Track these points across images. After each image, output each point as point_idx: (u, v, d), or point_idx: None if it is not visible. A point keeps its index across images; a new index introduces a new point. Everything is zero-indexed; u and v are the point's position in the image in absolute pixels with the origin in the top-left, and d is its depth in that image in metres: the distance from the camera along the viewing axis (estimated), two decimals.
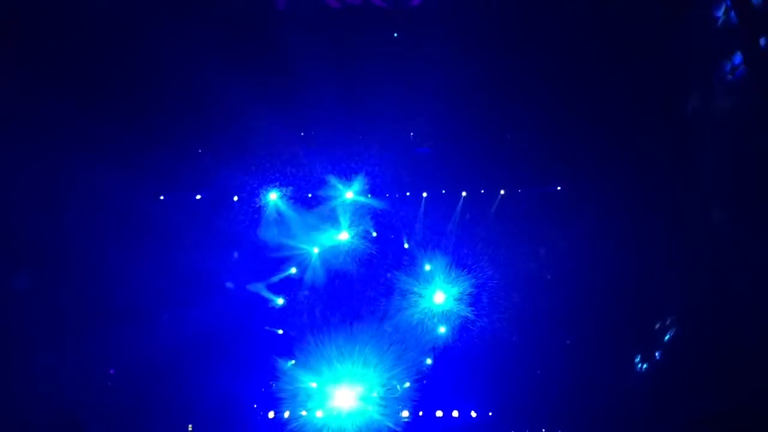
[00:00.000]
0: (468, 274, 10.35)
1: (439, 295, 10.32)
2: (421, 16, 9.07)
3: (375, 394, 9.88)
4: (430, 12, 9.05)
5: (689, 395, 8.63)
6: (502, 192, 10.59)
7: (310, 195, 10.30)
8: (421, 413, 9.98)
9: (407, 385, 10.05)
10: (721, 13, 8.06)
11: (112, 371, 9.33)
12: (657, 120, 9.44)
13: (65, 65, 8.65)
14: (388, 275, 10.48)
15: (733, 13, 7.80)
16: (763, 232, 7.86)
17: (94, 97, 8.93)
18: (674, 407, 8.68)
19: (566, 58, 9.24)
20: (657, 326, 9.72)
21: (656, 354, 9.68)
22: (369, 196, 10.48)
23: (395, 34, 9.28)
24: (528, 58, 9.37)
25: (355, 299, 10.44)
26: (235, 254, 10.19)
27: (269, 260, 10.20)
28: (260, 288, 10.13)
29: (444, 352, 10.24)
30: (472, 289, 10.30)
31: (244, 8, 8.86)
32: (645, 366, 9.78)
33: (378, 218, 10.47)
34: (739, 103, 8.42)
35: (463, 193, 10.61)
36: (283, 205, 10.18)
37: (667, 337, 9.64)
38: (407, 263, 10.42)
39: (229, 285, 9.96)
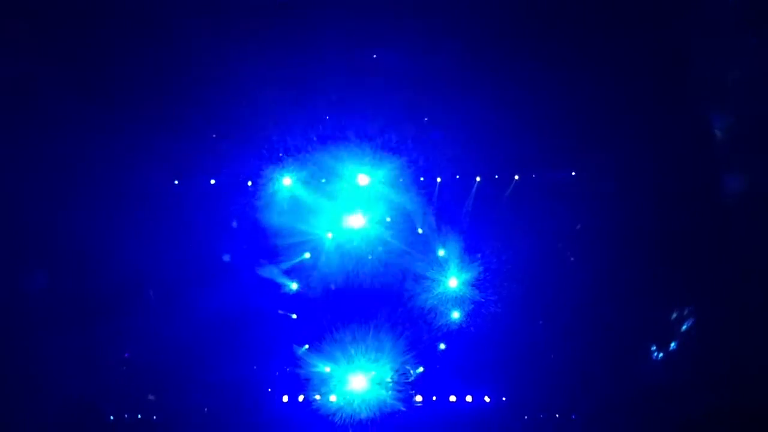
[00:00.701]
0: (482, 259, 10.34)
1: (453, 281, 10.31)
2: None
3: (389, 379, 9.93)
4: None
5: (705, 386, 8.65)
6: (516, 177, 10.53)
7: (324, 180, 10.26)
8: (434, 398, 10.01)
9: (421, 370, 10.09)
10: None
11: (126, 355, 9.42)
12: (681, 104, 9.36)
13: (75, 51, 8.69)
14: (402, 260, 10.48)
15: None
16: None
17: (107, 84, 9.00)
18: (690, 397, 8.69)
19: (586, 42, 9.15)
20: (674, 315, 9.70)
21: (673, 344, 9.66)
22: (383, 181, 10.46)
23: None
24: (544, 41, 9.28)
25: (368, 284, 10.45)
26: (249, 239, 10.17)
27: (283, 245, 10.20)
28: (274, 273, 10.15)
29: (457, 338, 10.23)
30: (486, 275, 10.27)
31: None
32: (661, 355, 9.75)
33: (392, 203, 10.44)
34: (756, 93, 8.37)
35: (477, 178, 10.56)
36: (296, 190, 10.17)
37: (684, 327, 9.62)
38: (421, 248, 10.40)
39: (226, 258, 9.91)
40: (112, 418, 9.40)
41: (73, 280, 9.06)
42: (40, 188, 8.94)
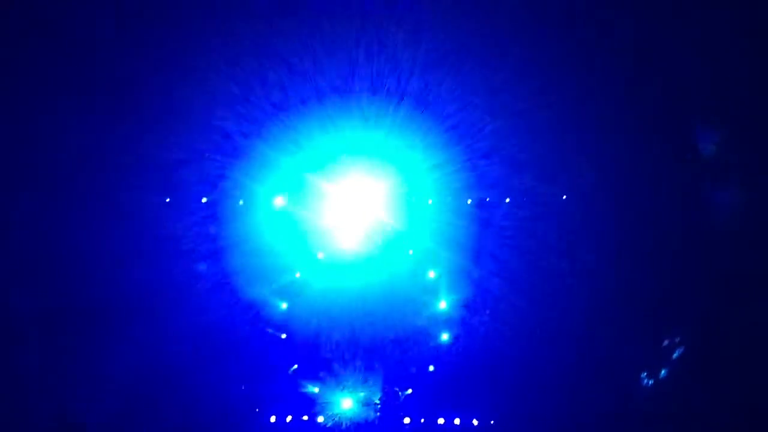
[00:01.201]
0: (472, 281, 10.35)
1: (443, 302, 10.33)
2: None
3: (377, 401, 9.90)
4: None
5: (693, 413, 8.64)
6: (507, 200, 10.55)
7: (315, 200, 10.27)
8: (422, 420, 9.97)
9: (409, 391, 10.07)
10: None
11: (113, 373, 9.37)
12: (669, 126, 9.41)
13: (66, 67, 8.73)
14: (392, 281, 10.49)
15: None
16: None
17: (97, 98, 9.02)
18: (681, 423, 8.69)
19: (574, 63, 9.22)
20: (667, 340, 9.69)
21: (664, 367, 9.65)
22: (374, 202, 10.48)
23: None
24: (534, 62, 9.35)
25: (358, 305, 10.45)
26: (239, 258, 10.17)
27: (272, 264, 10.21)
28: (263, 292, 10.15)
29: (446, 359, 10.22)
30: (477, 297, 10.29)
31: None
32: (652, 381, 9.73)
33: (382, 224, 10.46)
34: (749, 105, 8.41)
35: (468, 201, 10.58)
36: (288, 210, 10.19)
37: (675, 352, 9.61)
38: (411, 270, 10.41)
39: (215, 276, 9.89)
40: None
41: (58, 294, 9.02)
42: (23, 199, 8.94)
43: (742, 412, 8.37)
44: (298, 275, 10.42)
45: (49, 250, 9.15)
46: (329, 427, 9.70)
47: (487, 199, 10.53)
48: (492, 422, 9.96)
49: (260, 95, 9.43)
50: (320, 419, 9.75)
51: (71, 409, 8.63)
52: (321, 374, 10.00)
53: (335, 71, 9.37)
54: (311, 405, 9.89)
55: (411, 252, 10.49)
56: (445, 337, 10.26)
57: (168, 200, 10.23)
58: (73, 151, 9.17)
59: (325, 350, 10.06)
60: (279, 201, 10.18)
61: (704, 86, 9.12)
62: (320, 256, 10.42)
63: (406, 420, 9.90)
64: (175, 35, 8.88)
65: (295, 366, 10.16)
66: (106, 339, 9.22)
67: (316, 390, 9.96)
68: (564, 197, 10.37)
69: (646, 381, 9.78)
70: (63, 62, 8.93)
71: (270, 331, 10.30)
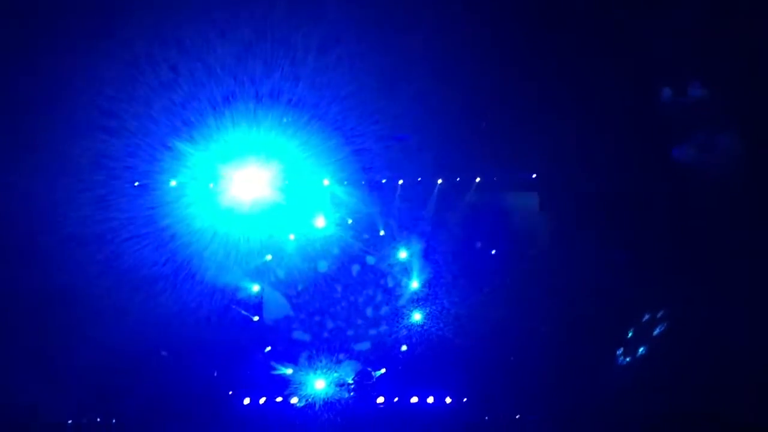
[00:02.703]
0: (444, 260, 10.41)
1: (414, 282, 10.37)
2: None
3: (350, 381, 9.95)
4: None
5: (666, 393, 8.74)
6: (478, 179, 10.59)
7: (286, 182, 10.22)
8: (396, 399, 10.04)
9: (382, 371, 10.12)
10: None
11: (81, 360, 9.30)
12: (646, 109, 9.45)
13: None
14: (364, 262, 10.52)
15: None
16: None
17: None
18: (656, 399, 8.79)
19: (550, 47, 9.21)
20: (644, 317, 9.78)
21: (642, 347, 9.75)
22: (345, 182, 10.48)
23: None
24: (508, 44, 9.33)
25: (330, 286, 10.47)
26: (211, 241, 10.10)
27: (244, 247, 10.16)
28: (235, 275, 10.12)
29: (419, 339, 10.29)
30: (448, 276, 10.35)
31: None
32: (628, 358, 9.83)
33: (353, 205, 10.47)
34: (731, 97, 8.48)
35: (439, 181, 10.61)
36: (258, 192, 10.12)
37: (653, 331, 9.71)
38: (382, 250, 10.44)
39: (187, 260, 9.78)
40: (70, 422, 9.31)
41: (29, 289, 8.94)
42: None
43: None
44: (269, 257, 10.41)
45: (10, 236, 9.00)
46: (303, 408, 9.72)
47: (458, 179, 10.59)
48: (465, 400, 10.03)
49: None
50: (294, 400, 9.76)
51: (40, 398, 8.55)
52: (294, 356, 10.01)
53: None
54: (284, 386, 9.89)
55: (382, 233, 10.54)
56: (417, 316, 10.31)
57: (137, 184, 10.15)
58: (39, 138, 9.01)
59: (297, 331, 10.07)
60: (249, 184, 10.05)
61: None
62: (291, 238, 10.42)
63: (380, 399, 9.95)
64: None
65: (268, 348, 10.17)
66: (74, 326, 9.13)
67: (289, 371, 9.97)
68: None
69: (619, 358, 9.89)
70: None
71: (243, 312, 10.29)
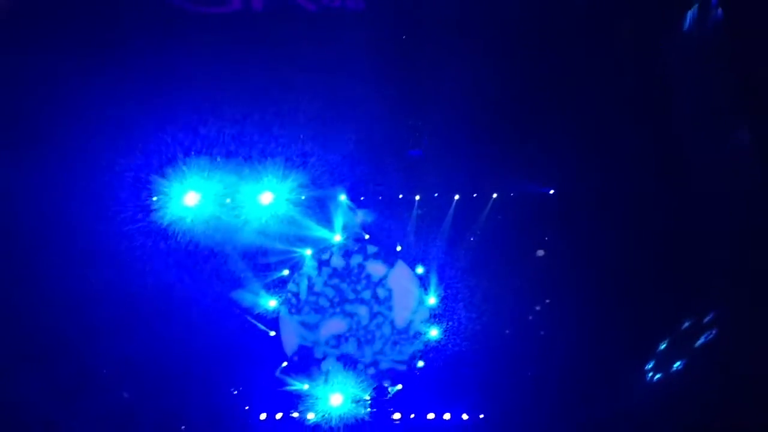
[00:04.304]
0: (461, 276, 10.38)
1: (431, 298, 10.36)
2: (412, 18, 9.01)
3: (367, 397, 9.91)
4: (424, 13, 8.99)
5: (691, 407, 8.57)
6: (495, 195, 10.58)
7: (303, 197, 10.24)
8: (412, 416, 9.99)
9: (399, 387, 10.09)
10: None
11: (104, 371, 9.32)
12: (654, 119, 9.39)
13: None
14: (380, 277, 10.51)
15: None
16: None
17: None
18: (673, 417, 8.65)
19: (562, 60, 9.18)
20: (658, 335, 9.64)
21: (654, 363, 9.62)
22: (362, 198, 10.50)
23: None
24: (523, 59, 9.30)
25: (346, 301, 10.47)
26: (227, 256, 10.14)
27: (262, 261, 10.19)
28: (253, 289, 10.14)
29: (436, 355, 10.26)
30: (465, 292, 10.32)
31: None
32: (654, 375, 9.70)
33: (370, 220, 10.48)
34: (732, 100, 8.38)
35: (456, 196, 10.61)
36: (276, 208, 10.14)
37: (664, 347, 9.57)
38: (398, 266, 10.44)
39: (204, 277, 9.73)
40: None
41: (22, 290, 8.85)
42: None
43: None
44: (286, 272, 10.43)
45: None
46: (319, 424, 9.68)
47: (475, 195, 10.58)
48: (482, 416, 9.97)
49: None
50: (310, 416, 9.73)
51: (57, 411, 8.52)
52: (310, 371, 10.00)
53: None
54: (300, 402, 9.87)
55: (399, 248, 10.52)
56: (434, 333, 10.28)
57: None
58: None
59: (314, 346, 10.06)
60: (266, 198, 10.05)
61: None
62: (308, 253, 10.43)
63: (396, 416, 9.90)
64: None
65: (285, 363, 10.16)
66: (93, 339, 9.12)
67: (305, 387, 9.95)
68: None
69: (635, 377, 9.77)
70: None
71: (260, 327, 10.30)
